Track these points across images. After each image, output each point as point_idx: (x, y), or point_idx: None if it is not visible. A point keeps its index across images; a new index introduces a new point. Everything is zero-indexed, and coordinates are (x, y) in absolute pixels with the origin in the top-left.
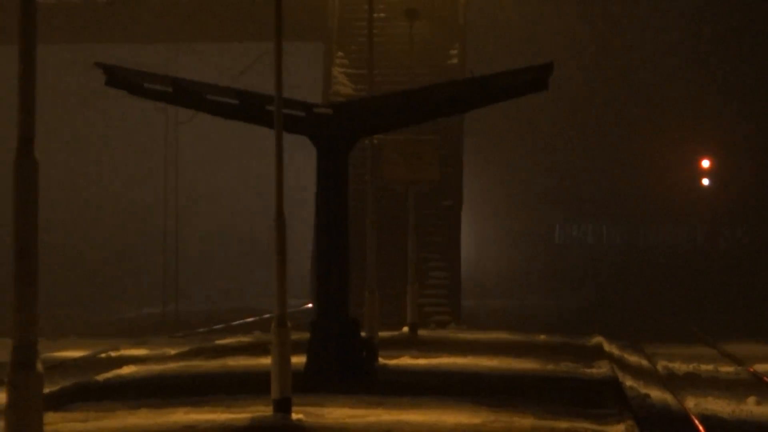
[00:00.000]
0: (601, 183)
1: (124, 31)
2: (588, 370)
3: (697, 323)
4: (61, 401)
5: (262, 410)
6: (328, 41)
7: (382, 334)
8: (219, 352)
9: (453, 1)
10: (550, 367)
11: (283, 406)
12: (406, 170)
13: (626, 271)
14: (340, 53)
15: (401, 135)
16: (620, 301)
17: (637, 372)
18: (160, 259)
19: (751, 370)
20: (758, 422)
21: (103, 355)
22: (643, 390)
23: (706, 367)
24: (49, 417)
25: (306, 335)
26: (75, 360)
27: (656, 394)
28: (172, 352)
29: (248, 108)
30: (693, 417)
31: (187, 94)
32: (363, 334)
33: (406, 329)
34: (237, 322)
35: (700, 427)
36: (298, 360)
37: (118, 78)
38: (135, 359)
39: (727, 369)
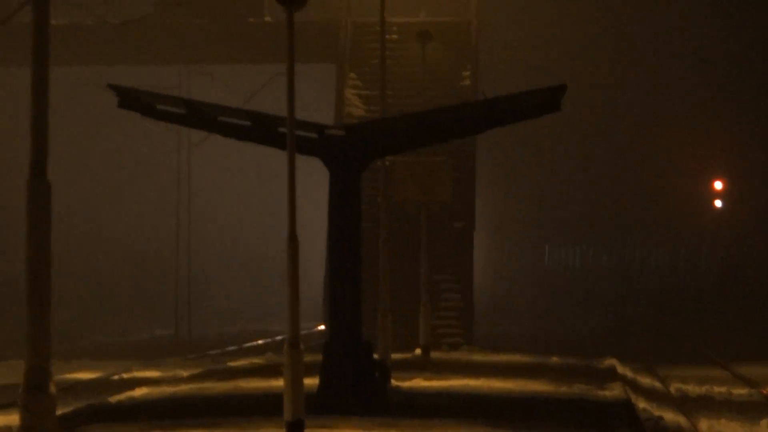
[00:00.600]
0: (612, 205)
1: (136, 53)
2: (601, 392)
3: (711, 346)
4: (74, 423)
5: None
6: (340, 63)
7: (395, 355)
8: (231, 374)
9: (465, 23)
10: (563, 389)
11: (296, 428)
12: (418, 191)
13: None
14: (352, 75)
15: (413, 156)
16: (633, 323)
17: (650, 394)
18: (173, 281)
19: (765, 392)
20: None
21: (115, 376)
22: (657, 412)
23: (719, 390)
24: None
25: (318, 357)
26: (88, 382)
27: (669, 416)
28: (185, 373)
29: (261, 129)
30: None
31: (199, 116)
32: (376, 355)
33: (418, 351)
34: (249, 344)
35: None
36: (311, 382)
37: (131, 100)
38: (148, 381)
39: (740, 391)
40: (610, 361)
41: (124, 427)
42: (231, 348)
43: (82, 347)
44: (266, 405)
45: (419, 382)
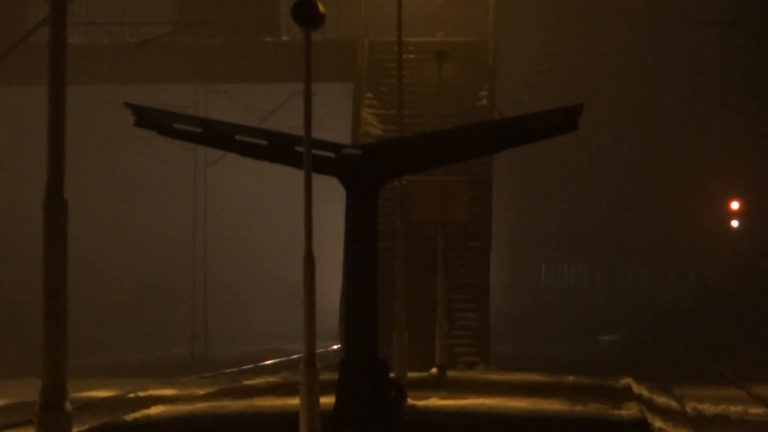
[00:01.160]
0: (628, 225)
1: (153, 72)
2: (617, 412)
3: (727, 365)
4: None
5: None
6: (357, 82)
7: (411, 374)
8: (247, 393)
9: (482, 43)
10: (579, 408)
11: None
12: (435, 211)
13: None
14: (369, 94)
15: (430, 176)
16: (648, 342)
17: (666, 413)
18: (189, 300)
19: None
20: None
21: (131, 394)
22: None
23: (735, 409)
24: None
25: (334, 376)
26: (103, 400)
27: None
28: (201, 392)
29: (278, 148)
30: None
31: (216, 135)
32: (392, 374)
33: (434, 370)
34: (265, 363)
35: None
36: (327, 400)
37: (148, 118)
38: (163, 399)
39: (756, 411)
40: (626, 381)
41: None
42: (247, 366)
43: (98, 365)
44: (282, 423)
45: (435, 401)
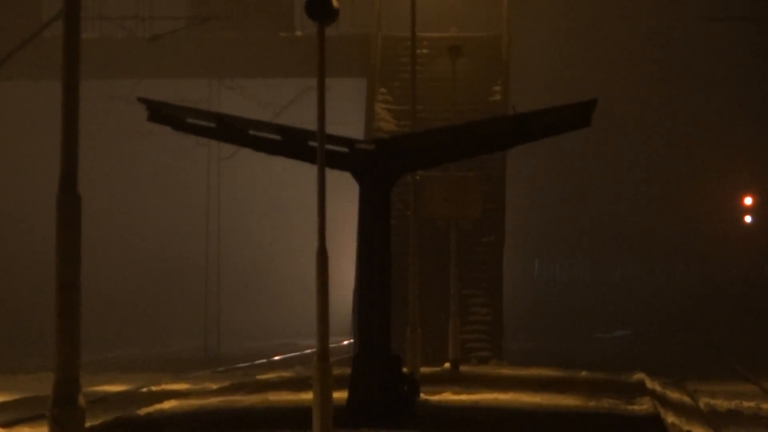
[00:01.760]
0: (639, 220)
1: (166, 67)
2: (630, 407)
3: (740, 360)
4: None
5: None
6: (371, 77)
7: (424, 369)
8: (260, 387)
9: (496, 38)
10: (592, 403)
11: None
12: (448, 206)
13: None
14: (383, 89)
15: (443, 171)
16: (661, 337)
17: (679, 409)
18: (202, 295)
19: None
20: None
21: (144, 389)
22: (686, 427)
23: (749, 404)
24: None
25: (347, 370)
26: (117, 394)
27: (698, 431)
28: (214, 386)
29: (291, 144)
30: None
31: (230, 130)
32: (405, 369)
33: (447, 365)
34: (278, 357)
35: None
36: (340, 395)
37: (161, 113)
38: (176, 394)
39: None
40: (639, 376)
41: None
42: (260, 361)
43: (110, 360)
44: (295, 418)
45: (448, 396)
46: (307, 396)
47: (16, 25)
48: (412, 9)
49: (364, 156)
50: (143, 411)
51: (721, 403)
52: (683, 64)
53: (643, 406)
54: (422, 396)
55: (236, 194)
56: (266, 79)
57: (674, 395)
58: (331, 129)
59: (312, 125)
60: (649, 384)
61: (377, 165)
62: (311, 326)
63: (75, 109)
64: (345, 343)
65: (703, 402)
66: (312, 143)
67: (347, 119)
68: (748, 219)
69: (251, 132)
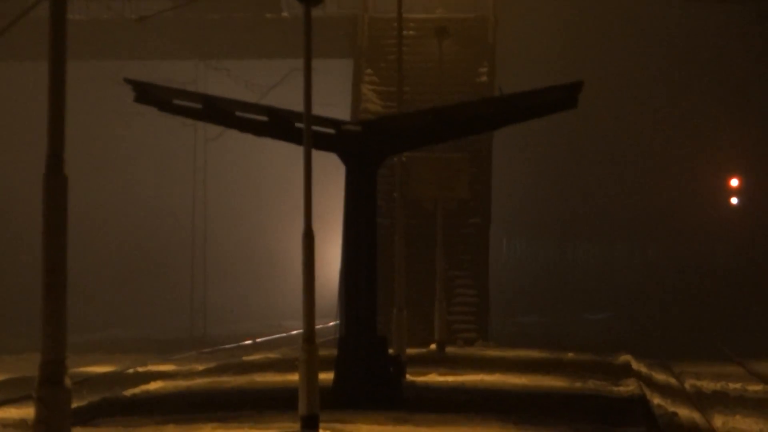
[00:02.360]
0: (624, 202)
1: (153, 48)
2: (615, 388)
3: (726, 342)
4: (89, 416)
5: (290, 426)
6: (357, 58)
7: (410, 351)
8: (246, 369)
9: (482, 20)
10: (578, 384)
11: (311, 423)
12: (434, 187)
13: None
14: (369, 70)
15: (430, 152)
16: (648, 319)
17: (665, 390)
18: (188, 275)
19: None
20: None
21: (130, 370)
22: (671, 408)
23: (734, 386)
24: None
25: (333, 352)
26: (103, 375)
27: (684, 412)
28: (200, 367)
29: (278, 125)
30: None
31: (216, 111)
32: (391, 351)
33: (433, 346)
34: (264, 339)
35: None
36: (326, 376)
37: (148, 94)
38: (162, 375)
39: (755, 388)
40: (625, 357)
41: (139, 421)
42: (246, 342)
43: (97, 341)
44: (281, 399)
45: (434, 377)
46: (294, 377)
47: (3, 6)
48: None
49: (351, 137)
50: (129, 392)
51: (707, 385)
52: (669, 45)
53: (628, 387)
54: (408, 377)
55: (223, 175)
56: (253, 61)
57: (660, 377)
58: (317, 110)
59: (298, 106)
60: (635, 365)
61: (364, 146)
62: (297, 308)
63: (61, 90)
64: (331, 324)
65: (689, 383)
66: (298, 124)
67: (334, 100)
68: (734, 201)
69: (238, 113)
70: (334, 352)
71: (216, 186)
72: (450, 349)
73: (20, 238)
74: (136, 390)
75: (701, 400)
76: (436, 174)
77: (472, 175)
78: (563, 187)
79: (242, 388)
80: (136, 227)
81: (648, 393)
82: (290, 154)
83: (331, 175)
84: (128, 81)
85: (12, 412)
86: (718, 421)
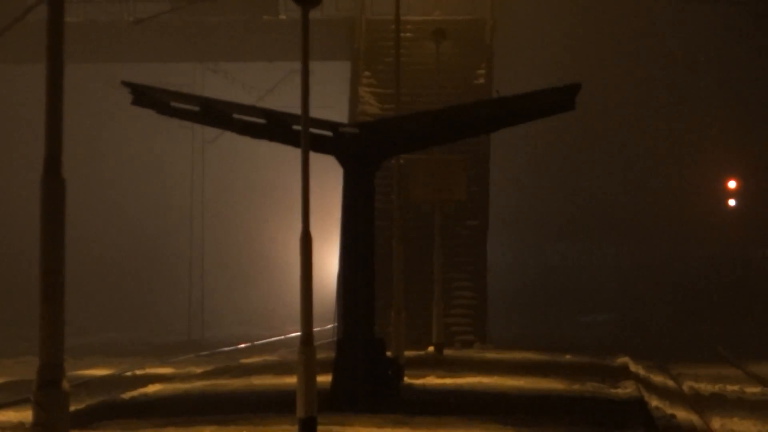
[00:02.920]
0: (622, 203)
1: (150, 51)
2: (614, 390)
3: (724, 344)
4: (87, 419)
5: (288, 429)
6: (355, 61)
7: (408, 353)
8: (244, 371)
9: (480, 21)
10: (576, 386)
11: (309, 425)
12: (432, 190)
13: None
14: (367, 73)
15: (428, 154)
16: (645, 321)
17: (662, 392)
18: (186, 279)
19: None
20: None
21: (128, 373)
22: (669, 410)
23: (732, 388)
24: None
25: (331, 355)
26: (101, 378)
27: (682, 414)
28: (198, 370)
29: (275, 127)
30: None
31: (214, 114)
32: (389, 353)
33: (431, 349)
34: (262, 342)
35: None
36: (324, 379)
37: (145, 97)
38: (161, 378)
39: (753, 390)
40: (623, 359)
41: (137, 424)
42: (244, 345)
43: (95, 344)
44: (279, 402)
45: (432, 380)
46: (291, 380)
47: (1, 9)
48: None
49: (349, 140)
50: (128, 395)
51: (705, 387)
52: (668, 46)
53: (626, 389)
54: (406, 379)
55: (221, 177)
56: (250, 63)
57: (658, 379)
58: (315, 113)
59: (296, 109)
60: (633, 367)
61: (361, 148)
62: (295, 311)
63: (59, 92)
64: (328, 327)
65: (687, 385)
66: (296, 127)
67: (331, 103)
68: (732, 203)
69: (235, 116)
70: (332, 354)
71: (214, 188)
72: (448, 352)
73: (18, 241)
74: (135, 393)
75: (699, 402)
76: (434, 176)
77: (469, 177)
78: (561, 189)
79: (240, 391)
80: (134, 230)
81: (646, 395)
82: (288, 156)
83: (330, 178)
84: (126, 84)
85: (10, 416)
86: (716, 423)
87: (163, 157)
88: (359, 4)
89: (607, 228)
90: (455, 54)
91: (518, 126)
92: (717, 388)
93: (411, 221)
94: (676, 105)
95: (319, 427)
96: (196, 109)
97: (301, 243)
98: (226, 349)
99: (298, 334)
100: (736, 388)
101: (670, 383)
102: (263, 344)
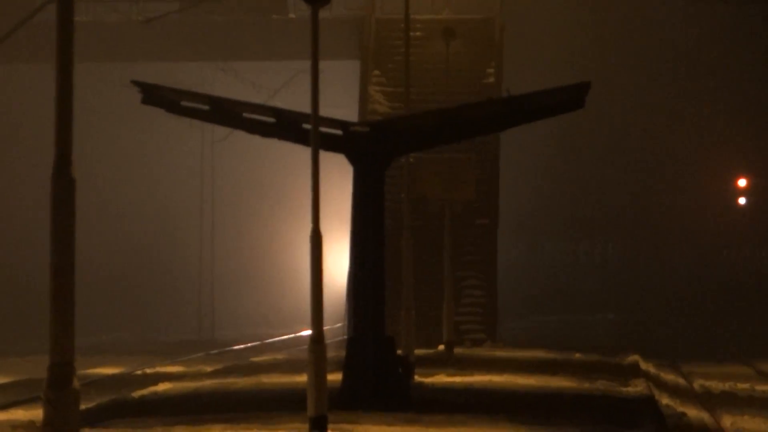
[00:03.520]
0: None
1: (159, 50)
2: (624, 389)
3: (735, 343)
4: (97, 418)
5: (298, 428)
6: (364, 60)
7: (418, 351)
8: (254, 370)
9: (489, 20)
10: (586, 385)
11: (319, 424)
12: (442, 189)
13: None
14: (376, 72)
15: (437, 153)
16: (655, 320)
17: (673, 390)
18: (196, 279)
19: None
20: None
21: (138, 372)
22: (680, 408)
23: (743, 386)
24: None
25: (341, 353)
26: (111, 377)
27: (693, 412)
28: (208, 369)
29: (285, 126)
30: None
31: (224, 112)
32: (399, 351)
33: (442, 347)
34: (272, 340)
35: None
36: (334, 377)
37: (155, 96)
38: (170, 376)
39: (763, 388)
40: (633, 358)
41: (147, 422)
42: (253, 344)
43: (105, 343)
44: (289, 400)
45: (442, 378)
46: (302, 378)
47: (10, 8)
48: None
49: (358, 138)
50: (137, 393)
51: (716, 385)
52: (677, 44)
53: (637, 387)
54: (416, 378)
55: (231, 177)
56: (260, 62)
57: (669, 377)
58: (324, 111)
59: (306, 108)
60: (643, 366)
61: (371, 147)
62: (305, 311)
63: (69, 92)
64: (338, 326)
65: (697, 384)
66: (306, 126)
67: (341, 102)
68: (742, 201)
69: (245, 114)
70: (342, 353)
71: (223, 188)
72: (458, 350)
73: (29, 240)
74: (145, 391)
75: (710, 401)
76: (444, 175)
77: (479, 175)
78: (571, 188)
79: (250, 390)
80: (144, 229)
81: (656, 393)
82: (298, 155)
83: (336, 177)
84: (135, 83)
85: (20, 414)
86: (726, 421)
87: (172, 156)
88: (369, 3)
89: (617, 226)
90: (465, 53)
91: (529, 124)
92: (727, 386)
93: (420, 219)
94: (686, 103)
95: (330, 426)
96: (206, 107)
97: (312, 242)
98: (236, 347)
99: (308, 332)
100: (746, 386)
101: (681, 381)
102: (273, 343)
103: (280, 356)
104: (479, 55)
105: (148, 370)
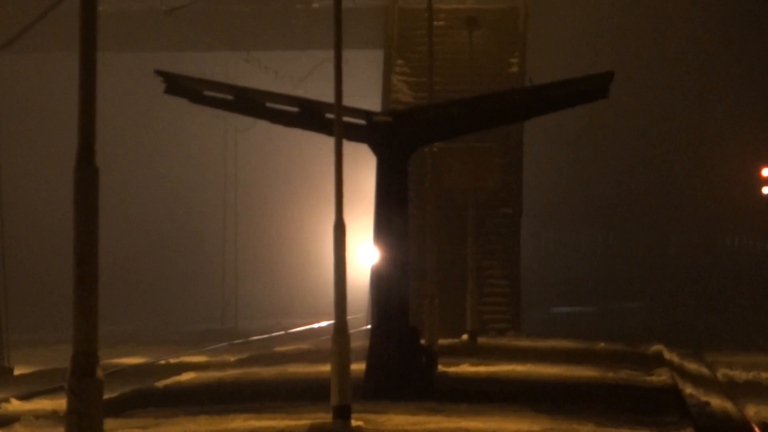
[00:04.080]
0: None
1: (183, 40)
2: (648, 378)
3: (759, 332)
4: (121, 407)
5: (322, 417)
6: (388, 49)
7: (442, 341)
8: (278, 359)
9: (513, 9)
10: (610, 374)
11: (343, 413)
12: (466, 178)
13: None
14: (399, 61)
15: (461, 143)
16: (678, 308)
17: (697, 380)
18: (220, 269)
19: None
20: None
21: (162, 361)
22: (703, 398)
23: (767, 375)
24: (109, 423)
25: (364, 343)
26: (134, 366)
27: (716, 402)
28: (232, 359)
29: (308, 116)
30: (754, 425)
31: (247, 102)
32: (423, 341)
33: (465, 337)
34: (296, 330)
35: None
36: (358, 367)
37: (178, 86)
38: (194, 366)
39: None
40: (657, 347)
41: (171, 412)
42: (277, 333)
43: (128, 333)
44: (313, 390)
45: (466, 368)
46: (325, 368)
47: None
48: None
49: (382, 128)
50: (161, 383)
51: (740, 374)
52: (700, 34)
53: (661, 377)
54: (440, 368)
55: (254, 167)
56: (283, 52)
57: (692, 366)
58: (348, 101)
59: (329, 97)
60: (667, 355)
61: (394, 137)
62: (328, 302)
63: (92, 81)
64: (360, 315)
65: (721, 373)
66: (329, 115)
67: (364, 91)
68: (766, 191)
69: (268, 104)
70: (365, 343)
71: (246, 178)
72: (482, 340)
73: (54, 230)
74: (168, 381)
75: (733, 390)
76: (467, 164)
77: (503, 165)
78: (595, 178)
79: (274, 379)
80: (167, 219)
81: (680, 383)
82: (321, 145)
83: (361, 166)
84: (159, 72)
85: (44, 404)
86: (750, 410)
87: (195, 146)
88: None
89: (641, 216)
90: (488, 42)
91: (552, 114)
92: (751, 375)
93: (444, 209)
94: (710, 92)
95: (354, 415)
96: (229, 97)
97: (335, 232)
98: (259, 337)
99: (332, 322)
100: None
101: (705, 371)
102: (297, 332)
103: (304, 346)
104: (503, 45)
105: (172, 360)
